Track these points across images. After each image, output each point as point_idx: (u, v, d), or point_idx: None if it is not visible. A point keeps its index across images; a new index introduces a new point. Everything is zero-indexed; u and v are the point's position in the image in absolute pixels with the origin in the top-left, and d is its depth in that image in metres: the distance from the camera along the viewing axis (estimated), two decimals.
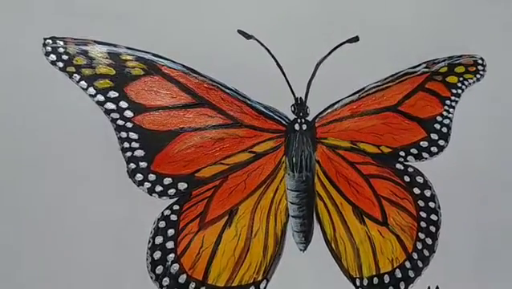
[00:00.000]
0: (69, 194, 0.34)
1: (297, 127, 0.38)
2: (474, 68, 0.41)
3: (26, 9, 0.34)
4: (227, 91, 0.36)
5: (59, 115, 0.34)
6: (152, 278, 0.35)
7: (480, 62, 0.41)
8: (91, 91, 0.34)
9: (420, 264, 0.39)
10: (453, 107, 0.41)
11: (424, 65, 0.40)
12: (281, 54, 0.37)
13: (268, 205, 0.37)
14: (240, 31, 0.37)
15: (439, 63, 0.41)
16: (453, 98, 0.41)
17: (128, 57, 0.35)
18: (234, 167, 0.37)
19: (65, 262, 0.34)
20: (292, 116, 0.38)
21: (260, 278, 0.36)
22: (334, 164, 0.39)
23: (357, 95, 0.39)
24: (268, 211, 0.37)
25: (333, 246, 0.38)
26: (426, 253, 0.39)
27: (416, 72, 0.40)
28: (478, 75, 0.41)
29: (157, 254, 0.35)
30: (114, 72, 0.34)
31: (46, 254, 0.34)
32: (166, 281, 0.35)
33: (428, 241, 0.39)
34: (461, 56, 0.41)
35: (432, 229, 0.39)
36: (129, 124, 0.35)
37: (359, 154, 0.39)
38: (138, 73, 0.35)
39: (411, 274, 0.38)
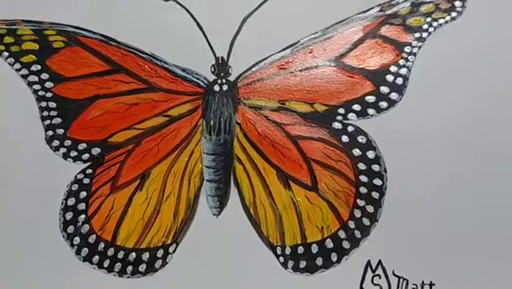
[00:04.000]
0: None
1: (217, 88, 0.36)
2: (449, 5, 0.35)
3: None
4: (143, 56, 0.36)
5: None
6: (63, 236, 0.36)
7: None
8: (17, 66, 0.37)
9: (357, 234, 0.34)
10: (414, 54, 0.35)
11: (378, 8, 0.35)
12: (203, 13, 0.36)
13: (182, 169, 0.36)
14: None
15: (398, 3, 0.36)
16: (414, 43, 0.35)
17: (51, 32, 0.37)
18: (148, 131, 0.36)
19: None
20: (212, 77, 0.37)
21: (169, 242, 0.35)
22: (257, 125, 0.36)
23: (290, 49, 0.36)
24: (182, 175, 0.36)
25: (251, 211, 0.35)
26: (366, 222, 0.34)
27: (366, 18, 0.36)
28: (454, 13, 0.35)
29: (69, 215, 0.36)
30: (38, 47, 0.37)
31: None
32: (77, 240, 0.36)
33: (370, 208, 0.34)
34: None
35: (375, 195, 0.34)
36: (49, 94, 0.37)
37: (288, 114, 0.36)
38: (59, 46, 0.37)
39: (345, 244, 0.34)
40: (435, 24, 0.35)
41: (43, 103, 0.36)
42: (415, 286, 0.35)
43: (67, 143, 0.36)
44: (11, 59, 0.37)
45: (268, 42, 0.36)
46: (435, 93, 0.35)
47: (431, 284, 0.35)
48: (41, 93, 0.37)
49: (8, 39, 0.37)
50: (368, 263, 0.35)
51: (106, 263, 0.36)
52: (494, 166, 0.34)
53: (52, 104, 0.36)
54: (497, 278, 0.35)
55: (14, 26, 0.37)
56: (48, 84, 0.37)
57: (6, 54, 0.37)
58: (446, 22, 0.35)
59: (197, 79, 0.36)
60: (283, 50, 0.36)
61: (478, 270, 0.35)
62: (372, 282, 0.35)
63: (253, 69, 0.36)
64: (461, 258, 0.35)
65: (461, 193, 0.35)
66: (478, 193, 0.35)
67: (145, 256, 0.36)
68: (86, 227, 0.36)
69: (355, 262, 0.35)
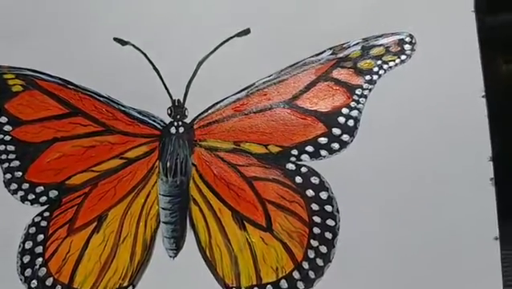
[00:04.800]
0: None
1: (173, 130, 0.37)
2: (399, 48, 0.36)
3: None
4: (100, 99, 0.37)
5: None
6: (21, 280, 0.36)
7: (407, 40, 0.36)
8: None
9: (311, 275, 0.34)
10: (365, 97, 0.36)
11: (330, 51, 0.36)
12: (160, 56, 0.37)
13: (138, 211, 0.36)
14: (115, 38, 0.37)
15: (349, 47, 0.37)
16: (365, 86, 0.36)
17: (9, 75, 0.37)
18: (105, 174, 0.36)
19: None
20: (168, 120, 0.37)
21: (126, 284, 0.35)
22: (212, 167, 0.36)
23: (245, 92, 0.37)
24: (138, 217, 0.36)
25: (207, 253, 0.35)
26: (320, 262, 0.34)
27: (318, 61, 0.37)
28: (404, 56, 0.36)
29: (26, 258, 0.36)
30: None
31: None
32: (34, 283, 0.36)
33: (323, 249, 0.34)
34: (380, 35, 0.36)
35: (328, 235, 0.35)
36: (7, 138, 0.37)
37: (243, 155, 0.36)
38: (17, 89, 0.37)
39: (300, 285, 0.34)
40: (385, 67, 0.36)
41: (2, 147, 0.37)
42: None
43: (25, 186, 0.37)
44: None
45: (223, 84, 0.37)
46: (386, 134, 0.36)
47: None
48: None
49: None
50: None
51: None
52: (442, 206, 0.35)
53: (10, 147, 0.37)
54: None
55: None
56: (7, 128, 0.37)
57: None
58: (396, 64, 0.36)
59: (154, 121, 0.37)
60: (239, 92, 0.36)
61: None
62: None
63: (209, 111, 0.37)
64: None
65: (412, 231, 0.35)
66: (428, 232, 0.35)
67: None
68: (43, 270, 0.36)
69: None
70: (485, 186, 0.34)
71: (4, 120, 0.37)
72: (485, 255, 0.34)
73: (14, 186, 0.36)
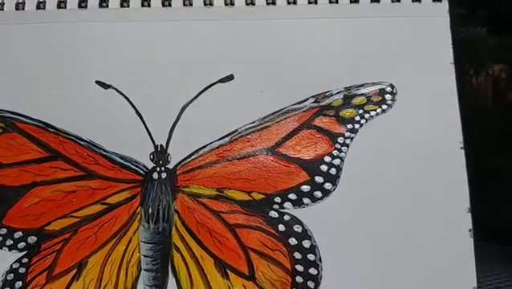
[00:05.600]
0: None
1: (155, 176, 0.37)
2: (380, 98, 0.37)
3: None
4: (82, 143, 0.36)
5: None
6: None
7: (388, 90, 0.37)
8: None
9: None
10: (347, 145, 0.37)
11: (313, 99, 0.37)
12: (143, 101, 0.37)
13: (119, 259, 0.36)
14: (98, 82, 0.37)
15: (332, 95, 0.37)
16: (347, 134, 0.37)
17: None
18: (85, 219, 0.36)
19: None
20: (151, 165, 0.37)
21: None
22: (195, 214, 0.36)
23: (228, 138, 0.37)
24: (119, 264, 0.36)
25: None
26: None
27: (301, 108, 0.37)
28: (385, 106, 0.37)
29: None
30: None
31: None
32: None
33: None
34: (362, 85, 0.37)
35: (311, 284, 0.35)
36: None
37: (226, 202, 0.36)
38: None
39: None
40: (367, 116, 0.37)
41: None
42: None
43: (3, 231, 0.36)
44: None
45: (207, 130, 0.37)
46: (368, 182, 0.36)
47: None
48: None
49: None
50: None
51: None
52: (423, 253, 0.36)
53: None
54: None
55: None
56: None
57: None
58: (377, 114, 0.37)
59: (136, 166, 0.36)
60: (222, 138, 0.37)
61: None
62: None
63: (192, 157, 0.37)
64: None
65: (396, 276, 0.36)
66: (411, 276, 0.36)
67: None
68: None
69: None
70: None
71: None
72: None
73: None
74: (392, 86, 0.37)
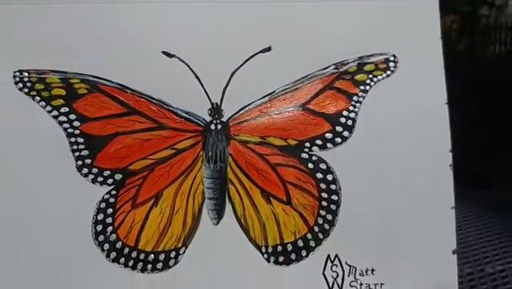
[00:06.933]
0: (30, 186, 0.46)
1: (213, 127, 0.47)
2: (385, 65, 0.48)
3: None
4: (153, 101, 0.46)
5: (23, 127, 0.46)
6: (95, 244, 0.45)
7: (392, 59, 0.47)
8: (48, 108, 0.46)
9: (320, 236, 0.46)
10: (360, 102, 0.47)
11: (334, 66, 0.47)
12: (201, 68, 0.47)
13: (187, 190, 0.46)
14: (164, 52, 0.47)
15: (348, 63, 0.48)
16: (360, 94, 0.47)
17: (75, 80, 0.46)
18: (159, 161, 0.46)
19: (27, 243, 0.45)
20: (209, 118, 0.47)
21: (180, 245, 0.46)
22: (244, 156, 0.47)
23: (268, 97, 0.47)
24: (187, 195, 0.46)
25: (242, 221, 0.46)
26: (326, 227, 0.46)
27: (325, 73, 0.48)
28: (389, 72, 0.48)
29: (99, 227, 0.45)
30: (65, 93, 0.46)
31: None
32: (106, 246, 0.45)
33: (329, 217, 0.46)
34: (371, 55, 0.48)
35: (333, 207, 0.46)
36: (77, 132, 0.46)
37: (268, 147, 0.47)
38: (83, 92, 0.46)
39: (312, 243, 0.46)
40: (375, 80, 0.48)
41: (72, 139, 0.46)
42: (361, 272, 0.48)
43: (94, 171, 0.46)
44: (43, 103, 0.45)
45: (251, 91, 0.47)
46: (375, 130, 0.48)
47: (372, 270, 0.48)
48: (70, 130, 0.45)
49: (39, 86, 0.45)
50: (328, 257, 0.47)
51: (130, 263, 0.46)
52: (412, 181, 0.48)
53: (80, 140, 0.46)
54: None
55: (43, 75, 0.46)
56: (75, 123, 0.46)
57: (37, 98, 0.45)
58: (383, 78, 0.48)
59: (197, 119, 0.47)
60: (263, 97, 0.47)
61: (406, 259, 0.48)
62: (331, 269, 0.48)
63: (241, 112, 0.47)
64: (393, 253, 0.48)
65: (393, 202, 0.48)
66: (410, 202, 0.48)
67: (161, 257, 0.46)
68: (113, 236, 0.46)
69: (319, 256, 0.47)
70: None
71: (73, 117, 0.45)
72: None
73: (85, 171, 0.46)
74: (394, 56, 0.47)
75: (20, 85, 0.45)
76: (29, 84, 0.45)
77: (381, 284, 0.46)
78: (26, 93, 0.45)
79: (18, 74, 0.45)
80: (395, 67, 0.47)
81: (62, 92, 0.45)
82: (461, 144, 0.51)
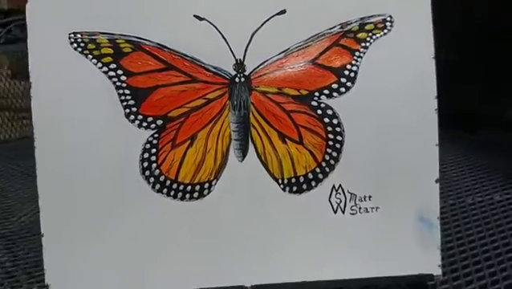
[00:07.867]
0: (88, 130, 0.55)
1: (237, 80, 0.55)
2: (383, 25, 0.56)
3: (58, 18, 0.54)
4: (187, 58, 0.55)
5: (79, 81, 0.55)
6: (143, 178, 0.54)
7: (388, 19, 0.55)
8: (99, 65, 0.54)
9: (327, 169, 0.55)
10: (361, 57, 0.55)
11: (339, 26, 0.55)
12: (227, 29, 0.55)
13: (217, 133, 0.55)
14: (195, 15, 0.55)
15: (351, 23, 0.56)
16: (361, 50, 0.55)
17: (121, 40, 0.54)
18: (193, 109, 0.55)
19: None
20: (234, 73, 0.56)
21: (212, 178, 0.54)
22: (264, 104, 0.56)
23: (283, 54, 0.56)
24: (217, 136, 0.55)
25: (262, 158, 0.55)
26: (332, 162, 0.55)
27: (331, 32, 0.56)
28: (386, 30, 0.55)
29: (145, 164, 0.54)
30: (112, 52, 0.54)
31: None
32: (152, 180, 0.54)
33: (334, 154, 0.55)
34: (371, 16, 0.55)
35: (338, 146, 0.55)
36: (124, 84, 0.54)
37: (283, 96, 0.56)
38: (127, 50, 0.54)
39: (320, 176, 0.55)
40: (374, 37, 0.56)
41: (120, 91, 0.54)
42: (360, 198, 0.58)
43: (140, 117, 0.54)
44: (94, 60, 0.53)
45: (269, 48, 0.55)
46: (374, 83, 0.57)
47: (369, 196, 0.58)
48: (118, 84, 0.53)
49: (90, 46, 0.53)
50: (333, 186, 0.57)
51: (172, 193, 0.53)
52: (418, 122, 0.57)
53: (126, 91, 0.54)
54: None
55: (93, 37, 0.53)
56: (122, 78, 0.53)
57: (90, 56, 0.53)
58: (381, 35, 0.56)
59: (224, 73, 0.55)
60: (279, 54, 0.55)
61: (397, 187, 0.58)
62: (336, 197, 0.57)
63: (260, 67, 0.55)
64: (386, 182, 0.58)
65: (389, 140, 0.57)
66: (401, 141, 0.57)
67: (197, 188, 0.53)
68: (157, 171, 0.55)
69: (326, 186, 0.55)
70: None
71: (120, 72, 0.53)
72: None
73: (131, 117, 0.53)
74: (390, 16, 0.55)
75: (75, 45, 0.53)
76: (82, 44, 0.53)
77: (377, 208, 0.57)
78: (80, 52, 0.53)
79: (72, 36, 0.53)
80: (391, 26, 0.55)
81: (110, 51, 0.53)
82: (449, 89, 0.60)
